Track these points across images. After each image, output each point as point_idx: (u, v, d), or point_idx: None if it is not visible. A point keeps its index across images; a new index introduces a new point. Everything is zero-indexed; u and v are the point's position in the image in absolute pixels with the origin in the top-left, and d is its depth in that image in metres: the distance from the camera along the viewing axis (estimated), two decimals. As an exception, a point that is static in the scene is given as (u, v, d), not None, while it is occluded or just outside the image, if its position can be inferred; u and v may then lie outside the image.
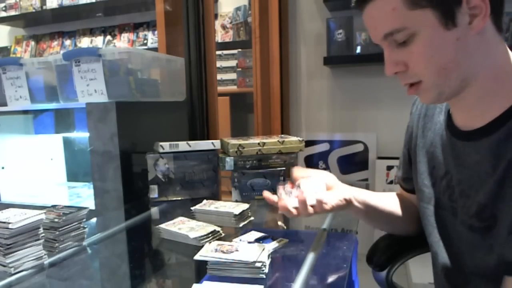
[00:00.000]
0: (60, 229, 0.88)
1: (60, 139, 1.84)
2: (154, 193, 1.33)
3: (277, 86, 1.96)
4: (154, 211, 1.30)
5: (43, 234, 0.83)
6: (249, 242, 0.87)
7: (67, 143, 1.85)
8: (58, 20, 2.80)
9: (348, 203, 0.85)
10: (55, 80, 1.46)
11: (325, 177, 0.88)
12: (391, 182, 1.89)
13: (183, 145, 1.34)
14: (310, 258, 0.83)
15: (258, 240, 0.91)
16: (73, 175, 1.86)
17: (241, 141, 1.31)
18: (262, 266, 0.74)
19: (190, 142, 1.35)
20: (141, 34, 2.66)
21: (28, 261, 0.81)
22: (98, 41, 2.75)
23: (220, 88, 2.29)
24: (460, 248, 0.75)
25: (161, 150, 1.32)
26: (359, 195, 0.87)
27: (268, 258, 0.78)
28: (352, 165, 2.00)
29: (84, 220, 0.94)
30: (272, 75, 1.96)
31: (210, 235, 0.94)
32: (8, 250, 0.77)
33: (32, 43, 2.94)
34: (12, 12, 2.80)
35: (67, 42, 2.85)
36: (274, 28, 1.92)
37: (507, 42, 1.68)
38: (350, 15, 1.86)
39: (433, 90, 0.67)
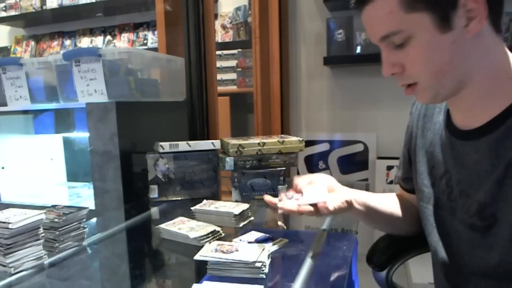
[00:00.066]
0: (60, 229, 0.88)
1: (60, 139, 1.84)
2: (154, 193, 1.33)
3: (277, 86, 1.96)
4: (154, 211, 1.30)
5: (43, 234, 0.83)
6: (249, 242, 0.87)
7: (67, 143, 1.85)
8: (58, 20, 2.80)
9: (349, 205, 0.85)
10: (55, 80, 1.46)
11: (325, 180, 0.88)
12: (391, 182, 1.89)
13: (183, 145, 1.34)
14: (310, 258, 0.83)
15: (258, 240, 0.91)
16: (73, 175, 1.86)
17: (241, 141, 1.31)
18: (262, 266, 0.74)
19: (190, 142, 1.35)
20: (141, 34, 2.66)
21: (28, 261, 0.81)
22: (98, 41, 2.75)
23: (220, 88, 2.29)
24: (460, 247, 0.75)
25: (161, 150, 1.32)
26: (360, 197, 0.88)
27: (268, 258, 0.78)
28: (352, 165, 2.00)
29: (84, 220, 0.94)
30: (272, 75, 1.96)
31: (210, 235, 0.94)
32: (8, 250, 0.77)
33: (32, 43, 2.94)
34: (12, 12, 2.80)
35: (67, 42, 2.85)
36: (274, 28, 1.92)
37: (507, 43, 1.69)
38: (350, 15, 1.86)
39: (429, 91, 0.68)
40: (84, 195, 1.63)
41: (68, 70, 1.39)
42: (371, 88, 1.94)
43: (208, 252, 0.77)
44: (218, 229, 0.97)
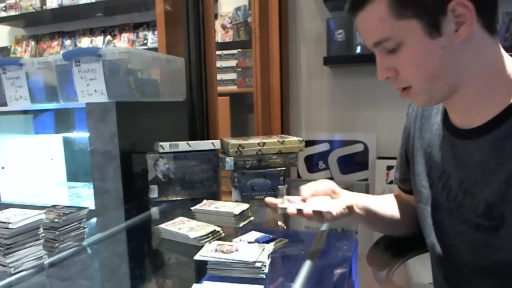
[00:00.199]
0: (60, 229, 0.88)
1: (60, 139, 1.84)
2: (154, 193, 1.33)
3: (277, 86, 1.96)
4: (154, 211, 1.30)
5: (43, 234, 0.83)
6: (249, 242, 0.87)
7: (67, 143, 1.85)
8: (58, 20, 2.80)
9: (350, 210, 0.86)
10: (55, 80, 1.46)
11: (327, 185, 0.89)
12: (391, 182, 1.89)
13: (183, 145, 1.34)
14: (310, 258, 0.83)
15: (258, 240, 0.91)
16: (73, 175, 1.86)
17: (241, 141, 1.31)
18: (262, 266, 0.74)
19: (190, 142, 1.35)
20: (141, 34, 2.66)
21: (28, 261, 0.81)
22: (98, 41, 2.75)
23: (220, 88, 2.29)
24: (460, 248, 0.75)
25: (161, 150, 1.32)
26: (360, 201, 0.88)
27: (268, 258, 0.78)
28: (352, 165, 2.00)
29: (84, 220, 0.94)
30: (272, 75, 1.96)
31: (210, 235, 0.94)
32: (8, 250, 0.77)
33: (32, 43, 2.94)
34: (12, 12, 2.80)
35: (67, 42, 2.85)
36: (274, 28, 1.93)
37: (507, 42, 1.69)
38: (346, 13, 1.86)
39: (423, 95, 0.70)
40: (84, 195, 1.63)
41: (68, 70, 1.39)
42: (371, 88, 1.94)
43: (208, 252, 0.77)
44: (218, 229, 0.97)
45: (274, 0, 1.90)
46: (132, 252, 1.00)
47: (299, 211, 0.81)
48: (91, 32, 2.79)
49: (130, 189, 1.33)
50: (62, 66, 1.42)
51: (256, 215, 1.15)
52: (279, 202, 0.86)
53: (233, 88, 2.49)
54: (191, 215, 1.11)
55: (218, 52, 2.41)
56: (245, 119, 2.49)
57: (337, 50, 1.89)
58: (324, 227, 1.03)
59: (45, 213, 0.85)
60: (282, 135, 1.47)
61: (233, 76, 2.51)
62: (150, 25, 2.64)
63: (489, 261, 0.69)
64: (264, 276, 0.74)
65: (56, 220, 0.87)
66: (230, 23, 2.48)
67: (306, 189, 0.87)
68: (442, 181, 0.77)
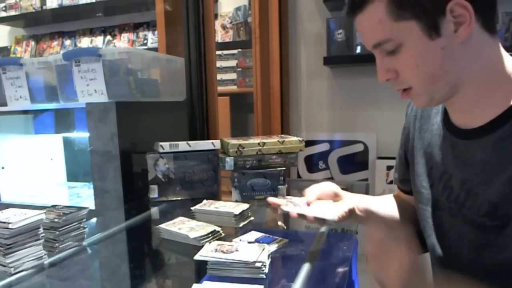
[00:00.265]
0: (60, 229, 0.88)
1: (60, 139, 1.84)
2: (154, 193, 1.33)
3: (277, 86, 1.96)
4: (154, 211, 1.30)
5: (43, 234, 0.83)
6: (249, 242, 0.87)
7: (67, 143, 1.85)
8: (58, 20, 2.80)
9: (351, 213, 0.86)
10: (55, 80, 1.46)
11: (330, 188, 0.89)
12: (391, 182, 1.89)
13: (183, 145, 1.34)
14: (310, 258, 0.83)
15: (258, 240, 0.91)
16: (73, 175, 1.86)
17: (241, 141, 1.31)
18: (262, 266, 0.74)
19: (190, 142, 1.35)
20: (141, 34, 2.66)
21: (28, 261, 0.81)
22: (98, 41, 2.75)
23: (220, 88, 2.29)
24: (460, 248, 0.74)
25: (161, 150, 1.32)
26: (361, 203, 0.89)
27: (268, 258, 0.78)
28: (352, 165, 2.00)
29: (84, 220, 0.94)
30: (272, 75, 1.96)
31: (210, 235, 0.94)
32: (8, 250, 0.77)
33: (32, 43, 2.94)
34: (12, 12, 2.80)
35: (67, 42, 2.85)
36: (274, 28, 1.92)
37: (507, 42, 1.69)
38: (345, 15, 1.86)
39: (423, 95, 0.70)
40: (84, 195, 1.63)
41: (68, 70, 1.39)
42: (371, 88, 1.94)
43: (208, 252, 0.77)
44: (218, 229, 0.97)
45: (274, 0, 1.90)
46: (132, 252, 1.00)
47: (302, 215, 0.82)
48: (91, 32, 2.79)
49: (130, 189, 1.33)
50: (62, 66, 1.42)
51: (256, 215, 1.15)
52: (283, 203, 0.86)
53: (233, 88, 2.49)
54: (191, 215, 1.11)
55: (218, 52, 2.41)
56: (245, 119, 2.49)
57: (337, 50, 1.89)
58: (324, 228, 1.03)
59: (45, 213, 0.85)
60: (282, 135, 1.47)
61: (233, 76, 2.51)
62: (150, 25, 2.64)
63: (492, 261, 0.68)
64: (264, 276, 0.74)
65: (56, 220, 0.87)
66: (230, 23, 2.48)
67: (310, 193, 0.87)
68: (443, 181, 0.77)
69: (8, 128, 1.70)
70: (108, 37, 2.73)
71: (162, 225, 1.00)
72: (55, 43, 2.87)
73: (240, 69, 2.47)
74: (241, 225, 1.07)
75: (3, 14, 2.81)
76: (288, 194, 1.33)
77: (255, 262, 0.73)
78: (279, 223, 1.15)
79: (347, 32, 1.86)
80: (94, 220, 1.23)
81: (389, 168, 1.90)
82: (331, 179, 2.03)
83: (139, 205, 1.33)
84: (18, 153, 1.75)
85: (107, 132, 1.29)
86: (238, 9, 2.45)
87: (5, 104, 1.56)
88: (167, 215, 1.19)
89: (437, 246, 0.81)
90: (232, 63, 2.51)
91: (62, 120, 1.69)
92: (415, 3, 0.63)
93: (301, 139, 1.34)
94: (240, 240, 0.91)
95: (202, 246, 0.81)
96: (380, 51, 0.69)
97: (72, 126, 1.68)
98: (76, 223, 0.92)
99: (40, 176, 1.81)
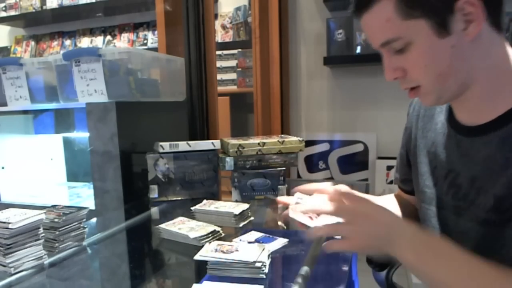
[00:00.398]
0: (60, 229, 0.88)
1: (60, 139, 1.84)
2: (154, 193, 1.33)
3: (277, 86, 1.96)
4: (154, 211, 1.30)
5: (43, 234, 0.83)
6: (249, 242, 0.87)
7: (67, 143, 1.85)
8: (58, 20, 2.80)
9: None
10: (55, 80, 1.46)
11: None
12: (391, 182, 1.89)
13: (183, 145, 1.34)
14: (310, 258, 0.82)
15: (258, 240, 0.91)
16: (73, 175, 1.86)
17: (241, 141, 1.31)
18: (262, 266, 0.74)
19: (190, 142, 1.35)
20: (141, 34, 2.66)
21: (28, 261, 0.81)
22: (98, 41, 2.75)
23: (220, 88, 2.29)
24: (465, 246, 0.74)
25: (161, 150, 1.32)
26: None
27: (268, 258, 0.78)
28: (352, 165, 2.00)
29: (84, 220, 0.94)
30: (272, 75, 1.96)
31: (210, 235, 0.94)
32: (8, 250, 0.77)
33: (32, 43, 2.94)
34: (12, 12, 2.80)
35: (67, 42, 2.85)
36: (274, 28, 1.93)
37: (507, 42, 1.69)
38: (350, 15, 1.86)
39: (432, 94, 0.69)
40: (84, 195, 1.63)
41: (68, 70, 1.39)
42: (371, 88, 1.94)
43: (208, 252, 0.77)
44: (218, 229, 0.97)
45: (274, 0, 1.90)
46: (132, 252, 1.00)
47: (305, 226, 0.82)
48: (91, 32, 2.79)
49: (130, 189, 1.33)
50: (62, 66, 1.42)
51: (256, 215, 1.15)
52: (292, 202, 0.86)
53: (233, 88, 2.49)
54: (191, 215, 1.11)
55: (218, 52, 2.41)
56: (245, 119, 2.49)
57: (337, 50, 1.89)
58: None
59: (45, 213, 0.85)
60: (282, 135, 1.47)
61: (233, 76, 2.51)
62: (150, 25, 2.64)
63: (501, 256, 0.68)
64: (264, 276, 0.74)
65: (56, 220, 0.87)
66: (230, 23, 2.48)
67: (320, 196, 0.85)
68: (449, 180, 0.76)
69: (8, 128, 1.70)
70: (108, 37, 2.73)
71: (162, 225, 1.00)
72: (55, 43, 2.87)
73: (240, 69, 2.47)
74: (241, 225, 1.06)
75: (3, 14, 2.82)
76: (288, 195, 1.32)
77: (255, 262, 0.73)
78: (279, 223, 1.15)
79: (347, 32, 1.86)
80: (94, 220, 1.23)
81: (389, 168, 1.90)
82: (331, 179, 2.03)
83: (139, 205, 1.33)
84: (18, 153, 1.75)
85: (107, 132, 1.29)
86: (238, 9, 2.45)
87: (5, 104, 1.56)
88: (167, 215, 1.19)
89: None
90: (232, 63, 2.51)
91: (62, 120, 1.69)
92: (424, 1, 0.62)
93: (301, 139, 1.34)
94: (240, 240, 0.91)
95: (202, 246, 0.81)
96: (388, 50, 0.68)
97: (72, 126, 1.68)
98: (76, 223, 0.92)
99: (40, 176, 1.81)
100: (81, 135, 1.71)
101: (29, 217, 0.79)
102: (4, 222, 0.76)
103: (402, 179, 0.96)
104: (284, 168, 1.32)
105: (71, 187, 1.80)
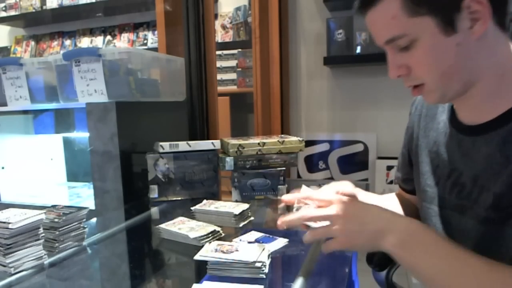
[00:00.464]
0: (60, 229, 0.88)
1: (60, 139, 1.84)
2: (154, 193, 1.33)
3: (277, 86, 1.96)
4: (154, 211, 1.30)
5: (43, 234, 0.83)
6: (249, 242, 0.87)
7: (67, 143, 1.85)
8: (58, 20, 2.80)
9: None
10: (55, 80, 1.46)
11: (347, 190, 0.89)
12: (391, 182, 1.89)
13: (183, 145, 1.34)
14: (310, 258, 0.83)
15: (258, 240, 0.91)
16: (73, 175, 1.86)
17: (241, 141, 1.31)
18: (262, 266, 0.74)
19: (190, 142, 1.35)
20: (141, 34, 2.66)
21: (28, 261, 0.81)
22: (98, 41, 2.75)
23: (220, 88, 2.29)
24: (466, 245, 0.74)
25: (161, 150, 1.32)
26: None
27: (268, 258, 0.78)
28: (352, 165, 2.00)
29: (84, 220, 0.94)
30: (272, 75, 1.96)
31: (210, 235, 0.94)
32: (8, 250, 0.77)
33: (32, 43, 2.94)
34: (12, 12, 2.80)
35: (67, 42, 2.85)
36: (274, 28, 1.93)
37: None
38: (350, 15, 1.86)
39: (436, 92, 0.69)
40: (84, 195, 1.63)
41: (68, 70, 1.39)
42: (371, 88, 1.94)
43: (208, 252, 0.77)
44: (218, 229, 0.97)
45: (274, 0, 1.90)
46: (132, 252, 1.00)
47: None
48: (91, 32, 2.79)
49: (130, 189, 1.33)
50: (62, 66, 1.42)
51: (256, 215, 1.15)
52: (295, 199, 0.86)
53: (233, 88, 2.49)
54: (191, 215, 1.11)
55: (218, 52, 2.41)
56: (245, 119, 2.49)
57: (337, 50, 1.89)
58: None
59: (45, 213, 0.85)
60: (282, 135, 1.47)
61: (233, 76, 2.51)
62: (150, 25, 2.64)
63: (502, 254, 0.68)
64: (264, 276, 0.74)
65: (56, 220, 0.87)
66: (230, 23, 2.48)
67: (325, 194, 0.84)
68: (452, 179, 0.76)
69: (8, 128, 1.70)
70: (108, 37, 2.73)
71: (162, 225, 1.00)
72: (55, 43, 2.87)
73: (240, 69, 2.47)
74: (241, 225, 1.06)
75: (3, 14, 2.82)
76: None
77: (255, 262, 0.73)
78: (279, 223, 1.15)
79: (347, 32, 1.86)
80: (94, 220, 1.23)
81: (389, 168, 1.90)
82: (331, 179, 2.03)
83: (139, 205, 1.33)
84: (18, 153, 1.75)
85: (107, 132, 1.29)
86: (238, 9, 2.45)
87: (5, 104, 1.56)
88: (167, 215, 1.19)
89: None
90: (232, 63, 2.51)
91: (62, 120, 1.69)
92: None
93: (301, 139, 1.34)
94: (240, 240, 0.91)
95: (202, 246, 0.81)
96: (392, 47, 0.68)
97: (72, 126, 1.68)
98: (76, 223, 0.92)
99: (40, 176, 1.81)
100: (81, 135, 1.71)
101: (29, 217, 0.79)
102: (4, 222, 0.76)
103: (403, 178, 0.96)
104: (284, 168, 1.32)
105: (71, 187, 1.80)
